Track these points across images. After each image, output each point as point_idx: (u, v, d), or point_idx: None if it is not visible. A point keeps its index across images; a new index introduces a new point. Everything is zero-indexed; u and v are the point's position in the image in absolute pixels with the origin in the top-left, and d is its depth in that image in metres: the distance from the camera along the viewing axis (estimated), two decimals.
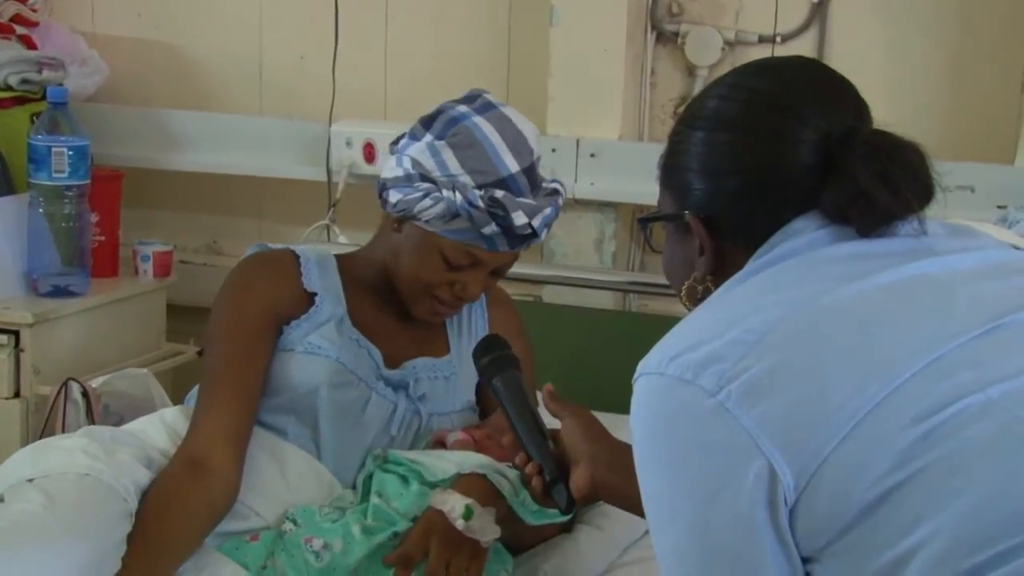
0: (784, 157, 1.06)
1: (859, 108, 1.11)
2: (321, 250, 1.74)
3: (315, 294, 1.66)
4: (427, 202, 1.59)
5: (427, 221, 1.60)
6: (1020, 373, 0.94)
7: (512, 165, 1.60)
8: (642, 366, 1.03)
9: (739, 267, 1.07)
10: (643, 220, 1.23)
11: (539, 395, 1.41)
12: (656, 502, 1.02)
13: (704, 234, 1.11)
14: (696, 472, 0.98)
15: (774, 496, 0.94)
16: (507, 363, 1.43)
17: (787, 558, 0.96)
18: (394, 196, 1.63)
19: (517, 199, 1.58)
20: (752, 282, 1.04)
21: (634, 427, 1.03)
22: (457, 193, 1.57)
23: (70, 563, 1.39)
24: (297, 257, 1.69)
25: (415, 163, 1.61)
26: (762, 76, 1.12)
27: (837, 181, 1.04)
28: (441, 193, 1.58)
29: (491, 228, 1.58)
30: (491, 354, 1.44)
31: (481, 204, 1.57)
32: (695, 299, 1.13)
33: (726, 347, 0.97)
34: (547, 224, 1.62)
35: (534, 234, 1.61)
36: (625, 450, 1.25)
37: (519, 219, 1.57)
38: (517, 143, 1.62)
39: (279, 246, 1.75)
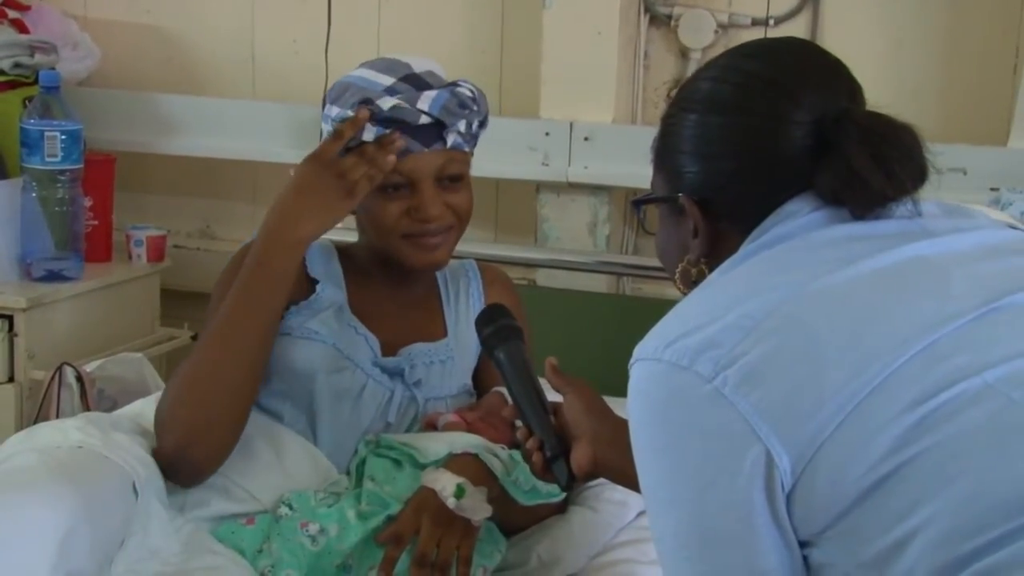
0: (778, 139, 1.06)
1: (853, 89, 1.11)
2: (322, 241, 1.74)
3: (317, 280, 1.66)
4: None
5: None
6: (1016, 356, 0.94)
7: (384, 80, 1.60)
8: (638, 352, 1.02)
9: (733, 250, 1.07)
10: (637, 202, 1.22)
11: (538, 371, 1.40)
12: (653, 488, 1.02)
13: (698, 216, 1.11)
14: (693, 458, 0.98)
15: (771, 482, 0.94)
16: (511, 334, 1.40)
17: (785, 542, 0.97)
18: None
19: (386, 95, 1.58)
20: (747, 266, 1.04)
21: (631, 413, 1.03)
22: (333, 111, 1.60)
23: (59, 509, 1.37)
24: None
25: None
26: (756, 58, 1.12)
27: (831, 163, 1.04)
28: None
29: (370, 131, 1.55)
30: (494, 324, 1.41)
31: (350, 111, 1.57)
32: (689, 282, 1.13)
33: (722, 332, 0.97)
34: (445, 107, 1.57)
35: (438, 122, 1.57)
36: (627, 428, 1.26)
37: (386, 103, 1.56)
38: (388, 65, 1.63)
39: None
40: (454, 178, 1.63)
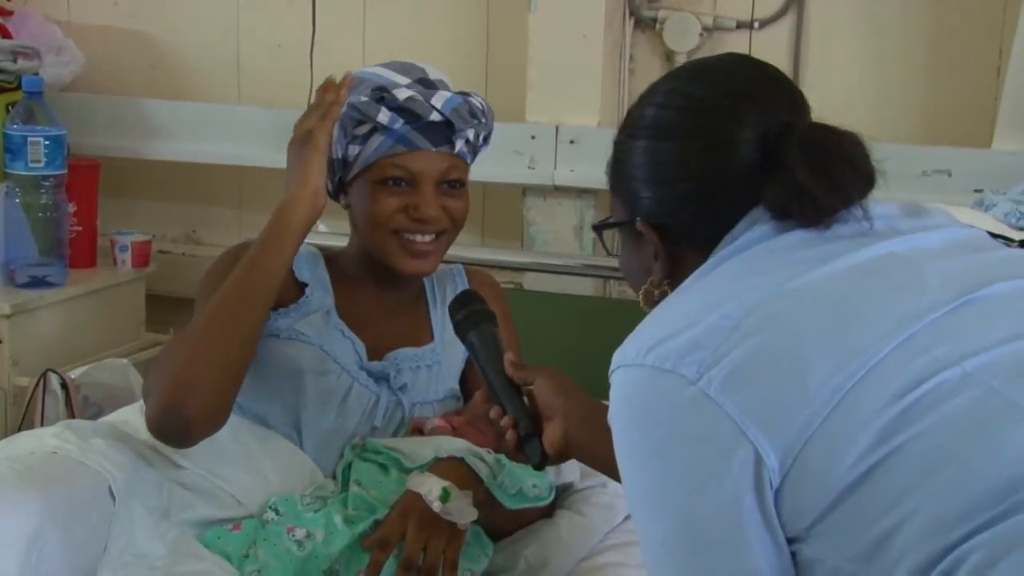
0: (726, 160, 1.07)
1: (795, 101, 1.11)
2: (308, 247, 1.74)
3: (305, 284, 1.67)
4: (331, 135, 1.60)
5: (345, 159, 1.61)
6: (995, 345, 0.95)
7: (399, 79, 1.62)
8: (618, 358, 1.02)
9: (694, 269, 1.08)
10: (597, 227, 1.24)
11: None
12: (641, 494, 1.02)
13: (656, 240, 1.13)
14: (681, 462, 0.98)
15: (760, 480, 0.94)
16: (482, 318, 1.41)
17: (774, 541, 0.97)
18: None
19: (403, 88, 1.59)
20: (721, 270, 1.05)
21: (614, 420, 1.03)
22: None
23: (24, 515, 1.36)
24: None
25: None
26: (696, 80, 1.13)
27: (777, 178, 1.04)
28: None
29: (385, 115, 1.57)
30: (466, 308, 1.42)
31: (364, 97, 1.58)
32: (652, 303, 1.14)
33: (704, 334, 0.97)
34: (456, 110, 1.59)
35: (448, 123, 1.59)
36: (599, 408, 1.26)
37: (402, 94, 1.57)
38: (403, 67, 1.64)
39: None
40: (454, 183, 1.64)
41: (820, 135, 1.05)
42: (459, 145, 1.62)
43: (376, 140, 1.59)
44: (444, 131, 1.60)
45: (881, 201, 1.07)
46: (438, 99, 1.59)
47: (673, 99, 1.12)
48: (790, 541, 0.97)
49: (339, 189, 1.67)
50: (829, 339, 0.95)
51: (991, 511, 0.88)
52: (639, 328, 1.03)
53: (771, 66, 1.14)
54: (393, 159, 1.59)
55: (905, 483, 0.91)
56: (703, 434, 0.96)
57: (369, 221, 1.63)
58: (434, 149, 1.60)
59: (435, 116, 1.58)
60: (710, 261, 1.07)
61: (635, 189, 1.13)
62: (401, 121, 1.58)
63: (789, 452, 0.93)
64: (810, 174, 1.02)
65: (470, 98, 1.63)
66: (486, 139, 1.68)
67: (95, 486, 1.45)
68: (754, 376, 0.95)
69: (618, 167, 1.16)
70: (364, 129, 1.59)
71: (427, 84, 1.63)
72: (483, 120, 1.64)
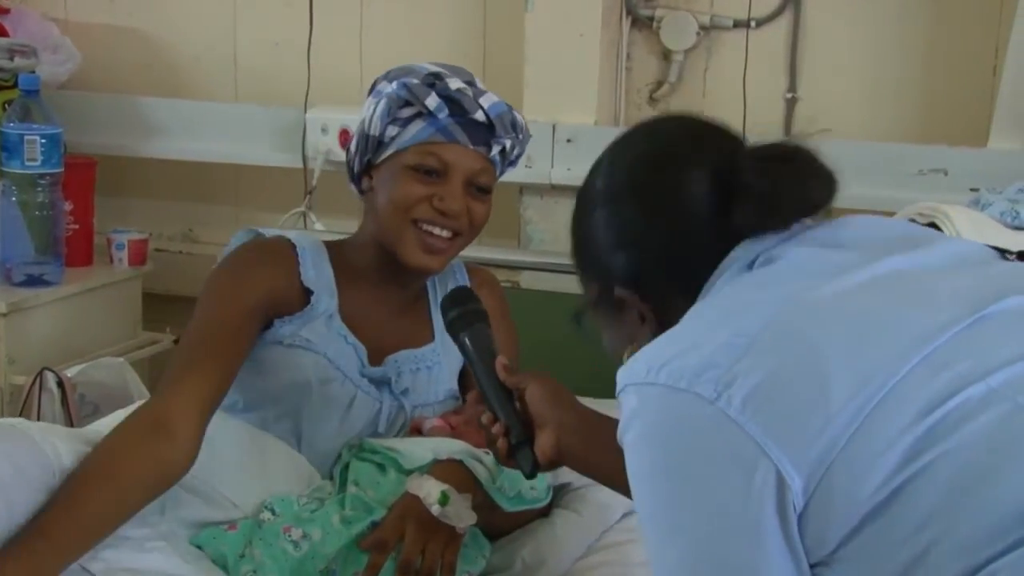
0: (685, 204, 1.08)
1: (736, 142, 1.13)
2: (313, 239, 1.73)
3: (312, 292, 1.65)
4: (369, 112, 1.61)
5: (381, 138, 1.61)
6: (1017, 359, 0.93)
7: (452, 76, 1.63)
8: (625, 377, 1.00)
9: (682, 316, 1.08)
10: (576, 317, 1.22)
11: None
12: (656, 517, 0.99)
13: (639, 302, 1.12)
14: (699, 483, 0.95)
15: (783, 503, 0.92)
16: (475, 317, 1.39)
17: (797, 567, 0.94)
18: (351, 149, 1.66)
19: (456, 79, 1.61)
20: (727, 290, 1.04)
21: (626, 440, 1.00)
22: (393, 83, 1.61)
23: None
24: (294, 247, 1.67)
25: (361, 120, 1.66)
26: (636, 142, 1.16)
27: (742, 199, 1.06)
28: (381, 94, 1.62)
29: (433, 100, 1.58)
30: (459, 308, 1.40)
31: (416, 80, 1.60)
32: None
33: (717, 351, 0.95)
34: (501, 116, 1.61)
35: (490, 126, 1.60)
36: (592, 417, 1.25)
37: (454, 84, 1.59)
38: (456, 69, 1.66)
39: (272, 232, 1.74)
40: (482, 188, 1.64)
41: (770, 150, 1.07)
42: (494, 151, 1.63)
43: (417, 125, 1.60)
44: (484, 133, 1.61)
45: (877, 219, 1.08)
46: (486, 99, 1.61)
47: (619, 162, 1.14)
48: (812, 567, 0.94)
49: (364, 171, 1.67)
50: (849, 356, 0.93)
51: (1019, 531, 0.86)
52: (646, 348, 1.01)
53: (709, 118, 1.17)
54: (430, 147, 1.60)
55: (933, 504, 0.88)
56: (723, 454, 0.93)
57: (391, 205, 1.62)
58: (471, 147, 1.61)
59: (480, 115, 1.60)
60: (713, 285, 1.06)
61: (606, 260, 1.13)
62: (447, 111, 1.59)
63: (813, 475, 0.91)
64: (769, 183, 1.04)
65: (514, 112, 1.65)
66: (516, 159, 1.70)
67: (40, 465, 1.36)
68: (775, 396, 0.92)
69: (583, 246, 1.17)
70: (408, 112, 1.60)
71: (476, 87, 1.65)
72: (520, 136, 1.66)
